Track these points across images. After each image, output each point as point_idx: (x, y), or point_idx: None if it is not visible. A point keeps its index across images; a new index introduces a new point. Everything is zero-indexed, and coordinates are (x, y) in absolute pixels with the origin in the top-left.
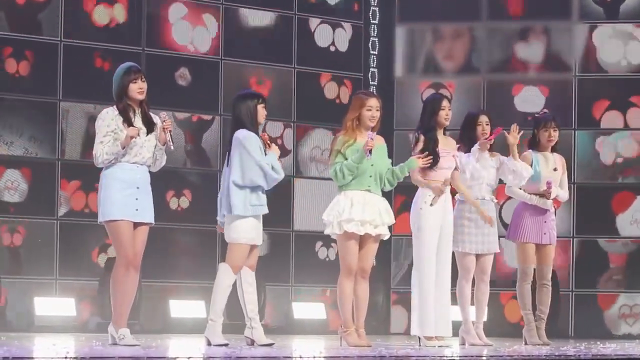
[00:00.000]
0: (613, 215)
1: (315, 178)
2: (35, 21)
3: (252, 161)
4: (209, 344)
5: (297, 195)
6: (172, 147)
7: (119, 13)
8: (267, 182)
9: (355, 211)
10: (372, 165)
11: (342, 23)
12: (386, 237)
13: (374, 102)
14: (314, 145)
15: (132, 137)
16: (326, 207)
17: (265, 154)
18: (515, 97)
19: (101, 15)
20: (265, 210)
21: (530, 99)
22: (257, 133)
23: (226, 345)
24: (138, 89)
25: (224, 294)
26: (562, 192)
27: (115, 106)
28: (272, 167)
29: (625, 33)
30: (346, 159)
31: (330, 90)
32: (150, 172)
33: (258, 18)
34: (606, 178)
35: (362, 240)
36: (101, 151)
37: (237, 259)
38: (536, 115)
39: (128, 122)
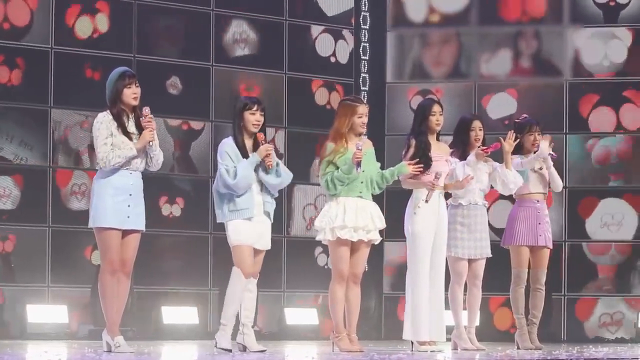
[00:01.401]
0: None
1: (314, 184)
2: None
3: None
4: (216, 345)
5: (296, 200)
6: (151, 145)
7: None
8: (228, 187)
9: (349, 218)
10: (363, 171)
11: (342, 32)
12: (377, 242)
13: (364, 109)
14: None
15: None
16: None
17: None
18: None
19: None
20: (247, 215)
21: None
22: (237, 140)
23: (229, 351)
24: (132, 94)
25: (233, 298)
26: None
27: (108, 111)
28: (235, 172)
29: (606, 33)
30: (337, 168)
31: (321, 96)
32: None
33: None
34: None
35: (354, 245)
36: (112, 154)
37: (239, 261)
38: (516, 120)
39: (122, 128)
